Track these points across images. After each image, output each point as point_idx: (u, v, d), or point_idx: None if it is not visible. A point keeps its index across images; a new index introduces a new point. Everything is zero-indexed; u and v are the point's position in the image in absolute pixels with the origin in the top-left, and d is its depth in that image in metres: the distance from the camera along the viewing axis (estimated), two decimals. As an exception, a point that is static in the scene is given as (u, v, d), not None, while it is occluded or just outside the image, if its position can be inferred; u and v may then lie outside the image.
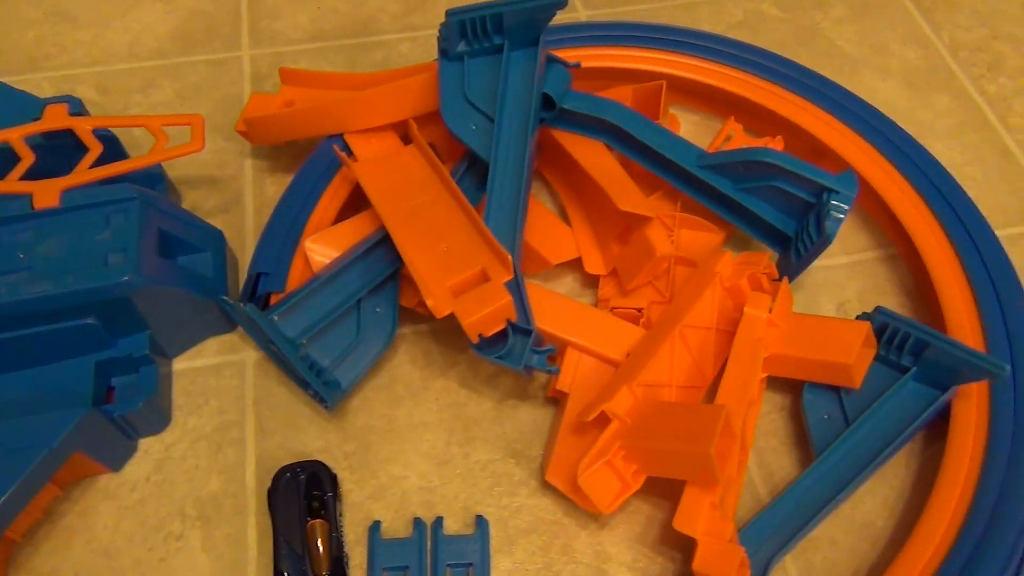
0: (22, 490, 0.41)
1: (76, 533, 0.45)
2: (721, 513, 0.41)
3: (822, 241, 0.49)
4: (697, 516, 0.40)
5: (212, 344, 0.52)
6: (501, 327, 0.44)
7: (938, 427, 0.48)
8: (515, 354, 0.44)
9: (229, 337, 0.53)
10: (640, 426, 0.42)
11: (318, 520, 0.44)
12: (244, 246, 0.56)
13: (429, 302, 0.43)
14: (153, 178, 0.56)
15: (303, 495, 0.45)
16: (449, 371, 0.52)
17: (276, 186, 0.60)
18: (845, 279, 0.56)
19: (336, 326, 0.48)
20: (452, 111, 0.51)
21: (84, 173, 0.49)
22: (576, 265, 0.55)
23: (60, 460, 0.43)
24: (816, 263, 0.57)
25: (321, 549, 0.43)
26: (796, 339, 0.47)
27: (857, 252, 0.58)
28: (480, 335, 0.44)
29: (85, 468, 0.46)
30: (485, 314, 0.43)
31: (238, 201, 0.59)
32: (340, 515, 0.45)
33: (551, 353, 0.45)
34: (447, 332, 0.53)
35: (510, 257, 0.44)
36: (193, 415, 0.50)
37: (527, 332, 0.44)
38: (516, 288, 0.45)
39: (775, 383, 0.51)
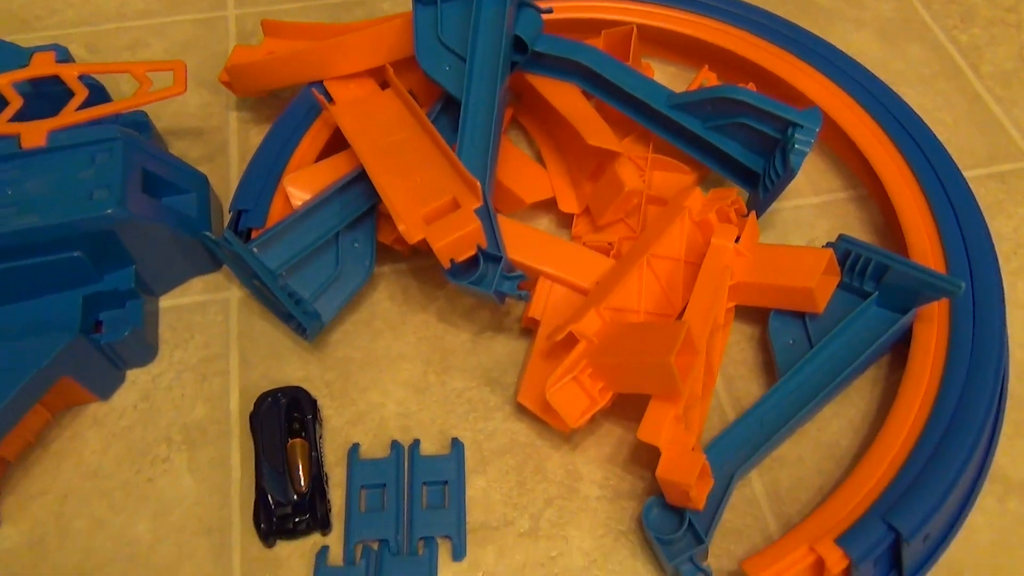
0: (12, 408, 0.43)
1: (65, 457, 0.47)
2: (685, 426, 0.43)
3: (787, 174, 0.50)
4: (660, 427, 0.42)
5: (197, 283, 0.54)
6: (471, 252, 0.46)
7: (901, 355, 0.49)
8: (487, 279, 0.46)
9: (214, 277, 0.54)
10: (606, 345, 0.44)
11: (298, 440, 0.46)
12: (228, 193, 0.58)
13: (401, 227, 0.45)
14: (139, 126, 0.57)
15: (284, 417, 0.47)
16: (428, 306, 0.53)
17: (260, 136, 0.61)
18: (814, 218, 0.58)
19: (315, 260, 0.49)
20: (426, 53, 0.52)
21: (70, 115, 0.51)
22: (551, 207, 0.56)
23: (49, 382, 0.44)
24: (786, 203, 0.58)
25: (301, 466, 0.45)
26: (761, 267, 0.49)
27: (827, 192, 0.59)
28: (452, 261, 0.45)
29: (74, 395, 0.47)
30: (455, 238, 0.45)
31: (223, 151, 0.61)
32: (320, 437, 0.47)
33: (521, 280, 0.46)
34: (425, 270, 0.55)
35: (479, 184, 0.46)
36: (179, 348, 0.51)
37: (497, 259, 0.46)
38: (486, 215, 0.46)
39: (744, 315, 0.52)
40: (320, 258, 0.50)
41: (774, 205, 0.57)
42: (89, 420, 0.48)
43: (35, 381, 0.43)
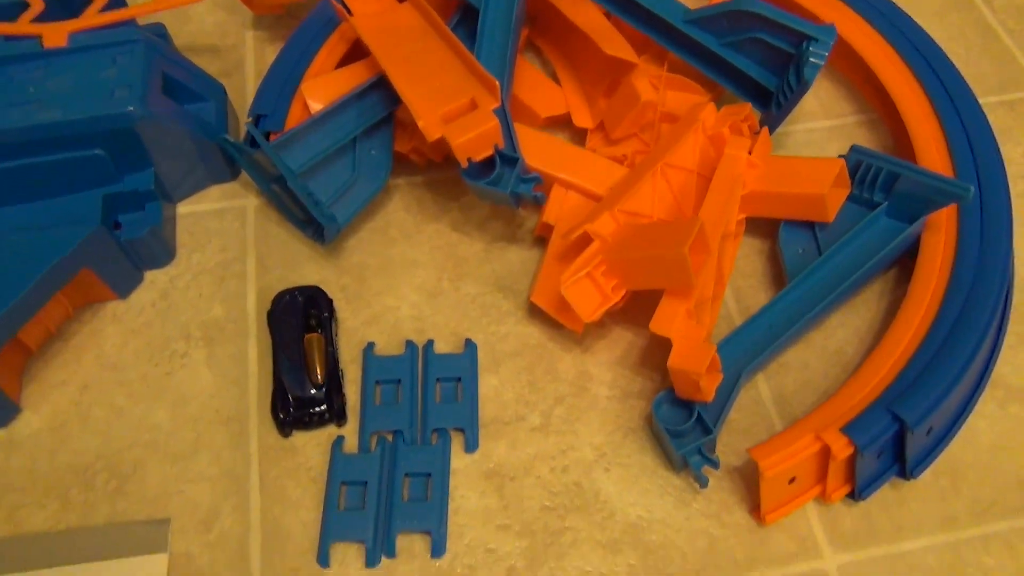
0: (36, 293, 0.43)
1: (85, 350, 0.48)
2: (696, 322, 0.44)
3: (801, 87, 0.51)
4: (672, 319, 0.43)
5: (214, 191, 0.55)
6: (489, 152, 0.46)
7: (907, 270, 0.50)
8: (503, 180, 0.46)
9: (231, 185, 0.55)
10: (620, 243, 0.44)
11: (315, 334, 0.47)
12: (245, 108, 0.58)
13: (420, 124, 0.45)
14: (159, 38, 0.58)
15: (301, 314, 0.47)
16: (441, 217, 0.54)
17: (276, 54, 0.61)
18: (826, 140, 0.58)
19: (333, 164, 0.50)
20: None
21: (91, 18, 0.51)
22: (565, 124, 0.57)
23: (70, 271, 0.45)
24: (798, 126, 0.59)
25: (318, 359, 0.46)
26: (773, 176, 0.49)
27: (838, 116, 0.60)
28: (470, 160, 0.46)
29: (94, 291, 0.48)
30: (474, 136, 0.45)
31: (239, 68, 0.61)
32: (335, 335, 0.48)
33: (537, 182, 0.47)
34: (440, 183, 0.55)
35: (497, 83, 0.46)
36: (196, 252, 0.52)
37: (513, 160, 0.46)
38: (503, 116, 0.47)
39: (753, 230, 0.53)
40: (337, 163, 0.50)
41: (785, 128, 0.58)
42: (108, 317, 0.49)
43: (58, 269, 0.44)
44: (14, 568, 0.40)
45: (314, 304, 0.48)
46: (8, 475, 0.44)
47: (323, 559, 0.41)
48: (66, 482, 0.44)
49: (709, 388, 0.42)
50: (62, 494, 0.43)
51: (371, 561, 0.41)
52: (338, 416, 0.45)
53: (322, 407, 0.45)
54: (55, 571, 0.40)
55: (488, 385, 0.47)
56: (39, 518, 0.42)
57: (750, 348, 0.46)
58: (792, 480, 0.42)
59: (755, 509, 0.43)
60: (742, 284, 0.51)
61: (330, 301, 0.48)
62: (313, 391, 0.45)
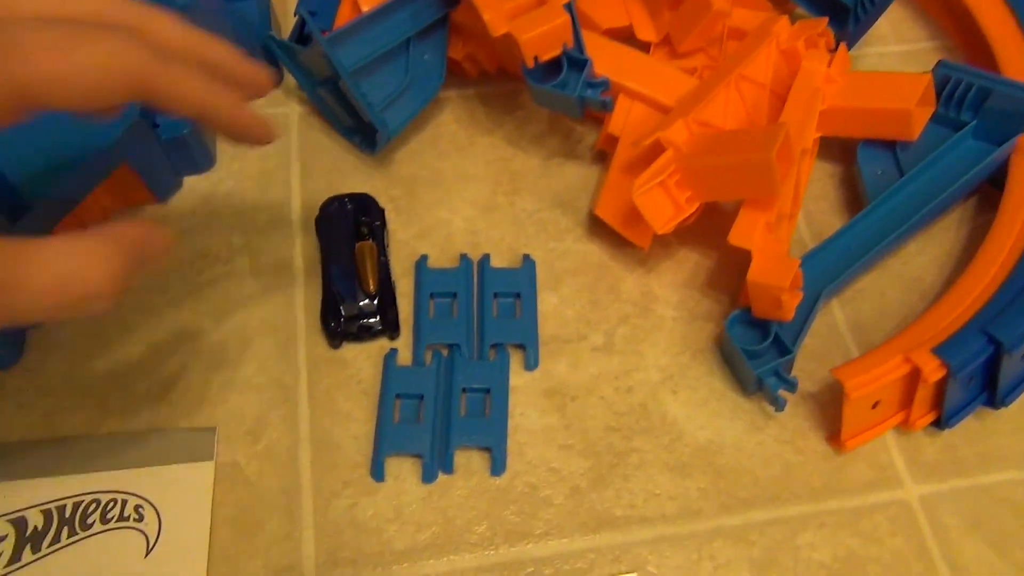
0: (76, 182, 0.41)
1: (124, 254, 0.45)
2: (776, 235, 0.41)
3: (882, 2, 0.48)
4: (752, 231, 0.40)
5: (256, 98, 0.52)
6: (557, 51, 0.43)
7: (990, 198, 0.48)
8: (570, 84, 0.44)
9: (274, 93, 0.52)
10: (696, 152, 0.42)
11: (367, 242, 0.44)
12: (287, 11, 0.55)
13: (485, 17, 0.42)
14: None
15: (351, 222, 0.45)
16: (495, 131, 0.51)
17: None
18: (899, 65, 0.55)
19: (385, 67, 0.47)
20: None
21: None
22: (627, 38, 0.54)
23: (111, 163, 0.42)
24: (870, 49, 0.56)
25: (370, 267, 0.43)
26: (854, 92, 0.46)
27: (912, 41, 0.57)
28: (536, 60, 0.43)
29: (133, 192, 0.46)
30: (542, 31, 0.42)
31: (280, -25, 0.58)
32: (387, 246, 0.45)
33: (605, 87, 0.44)
34: (493, 96, 0.52)
35: (568, -23, 0.43)
36: (237, 159, 0.49)
37: (581, 63, 0.44)
38: (571, 12, 0.44)
39: (826, 153, 0.50)
40: (389, 66, 0.47)
41: (857, 51, 0.54)
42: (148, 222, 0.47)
43: (99, 158, 0.41)
44: (53, 471, 0.38)
45: (365, 211, 0.45)
46: (43, 378, 0.41)
47: (378, 473, 0.39)
48: (104, 387, 0.41)
49: (790, 305, 0.39)
50: (101, 399, 0.41)
51: (428, 476, 0.39)
52: (391, 328, 0.43)
53: (375, 319, 0.43)
54: (96, 475, 0.38)
55: (547, 303, 0.45)
56: (77, 421, 0.40)
57: (829, 269, 0.43)
58: (876, 405, 0.39)
59: (832, 436, 0.41)
60: (813, 208, 0.49)
61: (381, 210, 0.46)
62: (365, 302, 0.43)
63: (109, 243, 0.27)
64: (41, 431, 0.40)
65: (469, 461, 0.40)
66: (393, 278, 0.44)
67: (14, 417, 0.40)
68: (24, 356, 0.42)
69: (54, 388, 0.41)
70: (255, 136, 0.33)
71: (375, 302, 0.43)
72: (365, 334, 0.42)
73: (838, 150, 0.50)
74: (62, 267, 0.25)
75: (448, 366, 0.42)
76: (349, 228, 0.44)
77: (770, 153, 0.38)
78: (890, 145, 0.47)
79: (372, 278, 0.43)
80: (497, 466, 0.40)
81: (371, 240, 0.44)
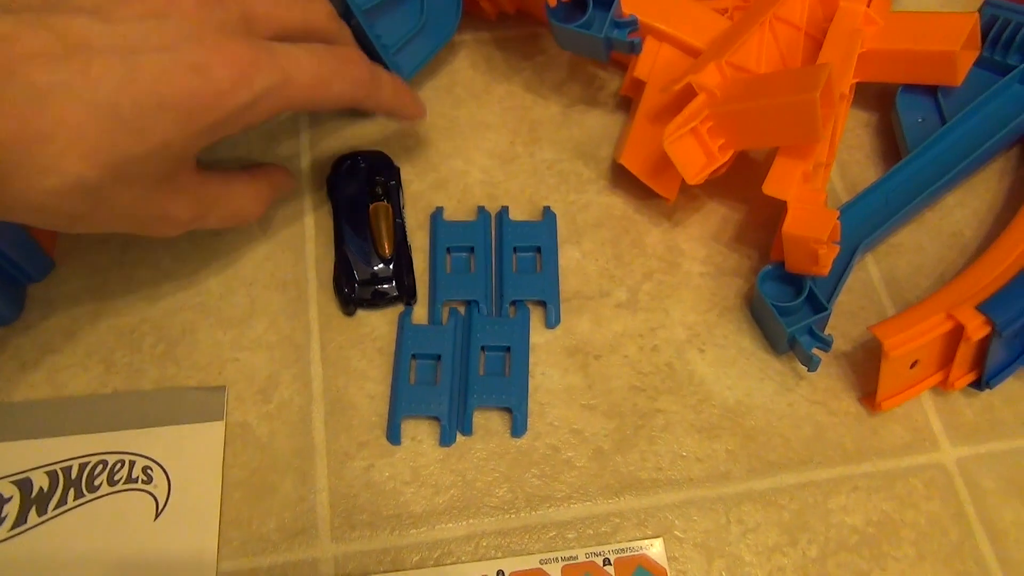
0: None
1: (126, 206, 0.43)
2: (813, 185, 0.39)
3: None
4: (789, 181, 0.38)
5: (261, 42, 0.49)
6: (582, -10, 0.41)
7: (1033, 148, 0.45)
8: (596, 24, 0.41)
9: (279, 36, 0.50)
10: (730, 96, 0.39)
11: (381, 203, 0.42)
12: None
13: (506, -48, 0.40)
14: None
15: (364, 181, 0.43)
16: (513, 77, 0.49)
17: None
18: (943, 6, 0.52)
19: (399, 6, 0.44)
20: None
21: None
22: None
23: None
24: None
25: (385, 229, 0.41)
26: (894, 34, 0.44)
27: (953, -18, 0.54)
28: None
29: None
30: (566, -32, 0.40)
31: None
32: (403, 207, 0.43)
33: (633, 28, 0.42)
34: (510, 41, 0.50)
35: (595, -91, 0.40)
36: (243, 107, 0.47)
37: (608, 1, 0.41)
38: (598, -52, 0.41)
39: (862, 99, 0.48)
40: (403, 6, 0.45)
41: (895, -9, 0.52)
42: (150, 171, 0.45)
43: None
44: (58, 431, 0.37)
45: (379, 171, 0.43)
46: (46, 335, 0.40)
47: (394, 436, 0.38)
48: (109, 344, 0.40)
49: (827, 259, 0.37)
50: (106, 357, 0.39)
51: (446, 439, 0.38)
52: (408, 295, 0.41)
53: (390, 284, 0.41)
54: (102, 436, 0.37)
55: (569, 257, 0.43)
56: (81, 381, 0.39)
57: (866, 221, 0.41)
58: (914, 364, 0.38)
59: (865, 397, 0.39)
60: (848, 159, 0.46)
61: (397, 169, 0.44)
62: (380, 266, 0.41)
63: (265, 184, 0.39)
64: (45, 390, 0.38)
65: (488, 422, 0.39)
66: (409, 238, 0.42)
67: (16, 376, 0.39)
68: (25, 313, 0.40)
69: (56, 346, 0.40)
70: (417, 113, 0.42)
71: (390, 267, 0.41)
72: (380, 300, 0.41)
73: (874, 98, 0.48)
74: (238, 203, 0.37)
75: (466, 324, 0.40)
76: (362, 188, 0.42)
77: (814, 94, 0.35)
78: (932, 91, 0.45)
79: (388, 241, 0.41)
80: (518, 427, 0.38)
81: (386, 201, 0.42)
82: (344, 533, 0.36)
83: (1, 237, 0.38)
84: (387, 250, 0.41)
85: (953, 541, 0.37)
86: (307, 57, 0.34)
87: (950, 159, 0.42)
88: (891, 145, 0.46)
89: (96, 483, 0.35)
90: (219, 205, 0.36)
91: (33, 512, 0.35)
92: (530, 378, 0.39)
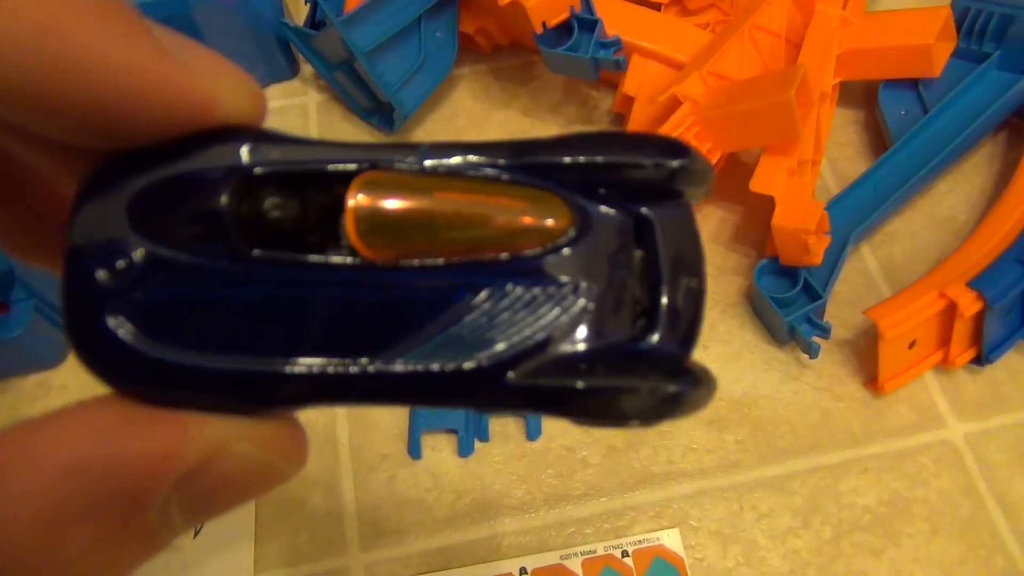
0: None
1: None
2: (799, 180, 0.40)
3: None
4: (774, 177, 0.40)
5: (275, 90, 0.52)
6: (564, 15, 0.43)
7: (1018, 129, 0.46)
8: (582, 46, 0.44)
9: (291, 83, 0.53)
10: (713, 102, 0.41)
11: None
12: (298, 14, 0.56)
13: (492, -15, 0.42)
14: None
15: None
16: (511, 103, 0.51)
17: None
18: (916, 5, 0.54)
19: (398, 47, 0.47)
20: None
21: (139, -92, 0.49)
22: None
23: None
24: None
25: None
26: (871, 32, 0.46)
27: (931, -20, 0.55)
28: (544, 25, 0.43)
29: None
30: (548, -5, 0.42)
31: (290, -31, 0.59)
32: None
33: (618, 47, 0.44)
34: (506, 71, 0.52)
35: (572, -61, 0.43)
36: (260, 150, 0.50)
37: (592, 23, 0.43)
38: (579, -25, 0.44)
39: (847, 99, 0.49)
40: (402, 46, 0.48)
41: (873, -6, 0.54)
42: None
43: None
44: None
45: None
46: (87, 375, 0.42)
47: (414, 450, 0.39)
48: (146, 377, 0.42)
49: (818, 248, 0.39)
50: (143, 389, 0.42)
51: (464, 450, 0.39)
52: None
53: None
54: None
55: (573, 267, 0.45)
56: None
57: (856, 212, 0.43)
58: (912, 344, 0.39)
59: (869, 381, 0.41)
60: (838, 155, 0.48)
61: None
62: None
63: None
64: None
65: (504, 427, 0.40)
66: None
67: (62, 411, 0.41)
68: (68, 354, 0.43)
69: (97, 386, 0.42)
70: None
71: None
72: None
73: (860, 96, 0.49)
74: None
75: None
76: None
77: (789, 94, 0.37)
78: (913, 84, 0.46)
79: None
80: (532, 430, 0.40)
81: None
82: (372, 541, 0.38)
83: (42, 282, 0.41)
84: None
85: (965, 515, 0.37)
86: None
87: (934, 147, 0.44)
88: (878, 139, 0.48)
89: (138, 504, 0.38)
90: None
91: (81, 536, 0.37)
92: (542, 383, 0.41)
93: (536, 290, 0.15)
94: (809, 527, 0.37)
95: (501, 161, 0.16)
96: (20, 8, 0.13)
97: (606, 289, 0.15)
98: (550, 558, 0.37)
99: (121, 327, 0.15)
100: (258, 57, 0.51)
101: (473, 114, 0.51)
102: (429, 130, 0.50)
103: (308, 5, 0.50)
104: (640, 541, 0.37)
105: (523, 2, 0.42)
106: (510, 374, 0.15)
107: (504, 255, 0.15)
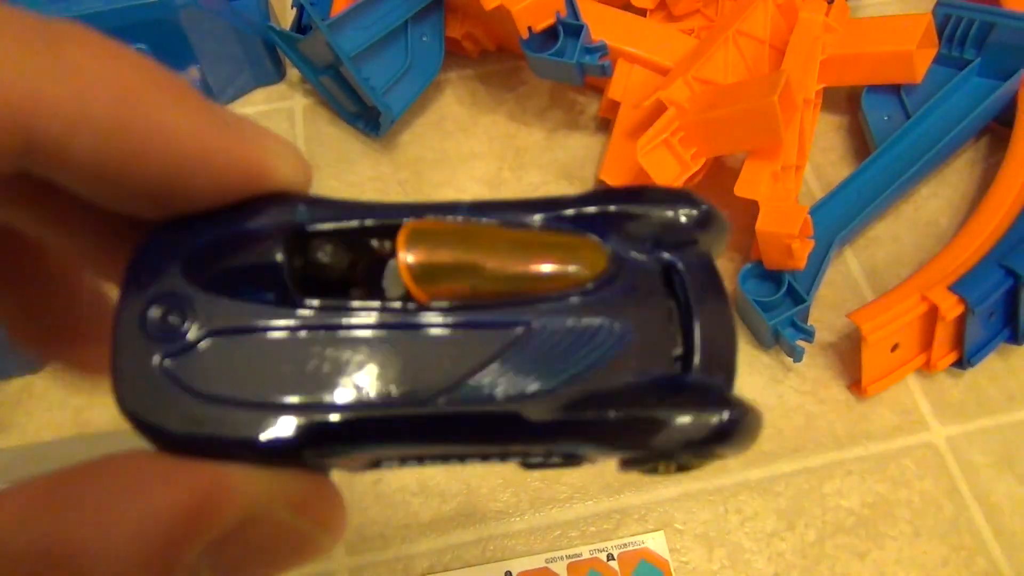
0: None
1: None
2: (783, 184, 0.41)
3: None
4: (758, 182, 0.40)
5: (260, 94, 0.52)
6: (551, 20, 0.43)
7: (999, 137, 0.47)
8: (568, 51, 0.44)
9: (277, 87, 0.53)
10: (698, 107, 0.42)
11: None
12: (284, 4, 0.56)
13: (478, -10, 0.43)
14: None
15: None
16: (497, 108, 0.51)
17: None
18: (898, 12, 0.55)
19: (385, 50, 0.48)
20: None
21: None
22: (624, 5, 0.54)
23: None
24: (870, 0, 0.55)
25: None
26: (854, 38, 0.46)
27: (913, -12, 0.56)
28: (530, 30, 0.43)
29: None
30: (534, 1, 0.42)
31: (277, -27, 0.59)
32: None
33: (603, 52, 0.44)
34: (492, 75, 0.53)
35: (558, -55, 0.43)
36: (246, 154, 0.50)
37: (577, 29, 0.44)
38: (564, -20, 0.44)
39: (831, 105, 0.50)
40: (389, 49, 0.48)
41: (854, 3, 0.54)
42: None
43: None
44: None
45: (373, 195, 0.46)
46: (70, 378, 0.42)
47: (400, 448, 0.40)
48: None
49: (801, 252, 0.39)
50: (127, 393, 0.42)
51: (450, 448, 0.39)
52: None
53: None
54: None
55: (559, 271, 0.45)
56: (106, 417, 0.41)
57: (839, 216, 0.43)
58: (895, 347, 0.39)
59: (853, 384, 0.41)
60: (822, 160, 0.48)
61: (389, 192, 0.46)
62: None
63: None
64: (71, 428, 0.41)
65: (490, 431, 0.40)
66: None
67: (43, 416, 0.41)
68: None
69: (81, 388, 0.42)
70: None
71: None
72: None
73: (844, 101, 0.50)
74: None
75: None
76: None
77: (772, 98, 0.37)
78: (896, 90, 0.47)
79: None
80: (518, 434, 0.40)
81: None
82: (357, 545, 0.38)
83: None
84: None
85: (948, 517, 0.38)
86: None
87: (916, 152, 0.44)
88: (862, 144, 0.48)
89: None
90: None
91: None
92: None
93: (580, 327, 0.16)
94: (793, 530, 0.38)
95: (537, 215, 0.17)
96: (99, 81, 0.14)
97: (644, 327, 0.16)
98: (536, 561, 0.37)
99: (173, 373, 0.15)
100: (244, 61, 0.51)
101: (460, 119, 0.51)
102: (417, 135, 0.50)
103: (294, 9, 0.50)
104: (625, 544, 0.37)
105: (509, 7, 0.42)
106: (558, 408, 0.15)
107: (547, 295, 0.16)
